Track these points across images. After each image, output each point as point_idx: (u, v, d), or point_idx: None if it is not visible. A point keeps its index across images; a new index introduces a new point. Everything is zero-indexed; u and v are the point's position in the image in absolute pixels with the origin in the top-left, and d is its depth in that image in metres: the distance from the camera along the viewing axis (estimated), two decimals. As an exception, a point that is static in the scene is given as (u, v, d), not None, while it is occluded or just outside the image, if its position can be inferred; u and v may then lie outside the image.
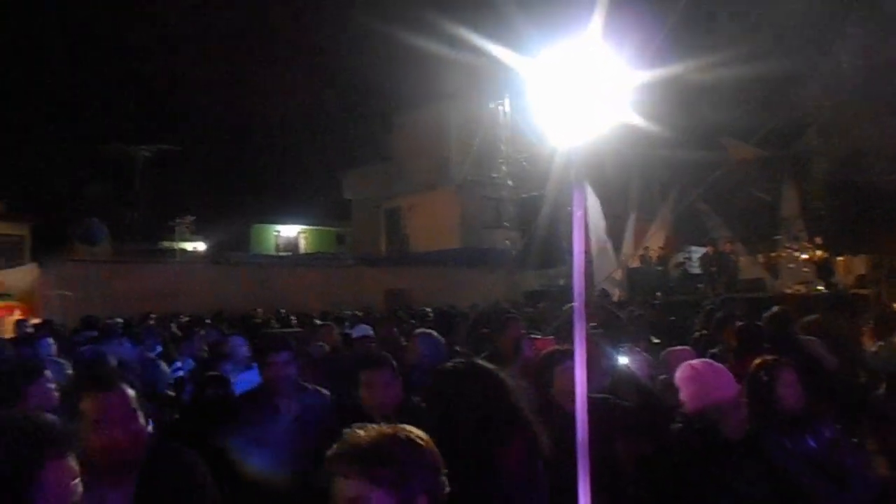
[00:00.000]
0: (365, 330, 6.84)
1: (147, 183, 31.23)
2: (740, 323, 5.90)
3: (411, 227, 30.51)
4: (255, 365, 4.99)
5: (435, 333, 5.20)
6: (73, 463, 1.40)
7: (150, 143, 30.87)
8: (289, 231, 39.34)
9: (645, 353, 5.16)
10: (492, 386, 2.68)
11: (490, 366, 2.81)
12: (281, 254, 34.87)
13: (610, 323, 6.07)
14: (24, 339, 7.37)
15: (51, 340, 6.60)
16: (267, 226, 38.92)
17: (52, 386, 3.73)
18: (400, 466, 1.68)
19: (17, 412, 2.58)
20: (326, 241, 39.88)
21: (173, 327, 10.45)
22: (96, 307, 13.80)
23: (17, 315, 16.14)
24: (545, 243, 19.79)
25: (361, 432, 1.74)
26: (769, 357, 3.71)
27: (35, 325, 10.04)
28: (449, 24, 15.59)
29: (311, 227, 40.13)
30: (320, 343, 6.45)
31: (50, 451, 1.35)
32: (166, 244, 33.36)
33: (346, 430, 1.76)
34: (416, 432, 1.78)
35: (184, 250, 30.97)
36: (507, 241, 25.50)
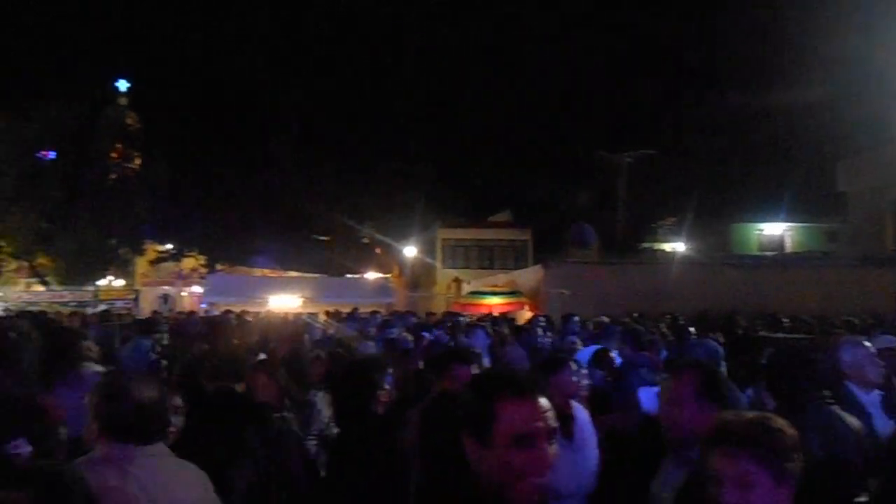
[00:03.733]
0: (890, 341, 5.89)
1: (629, 187, 32.85)
2: None
3: (926, 220, 26.03)
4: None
5: (864, 341, 4.49)
6: (534, 405, 1.71)
7: (632, 150, 32.40)
8: (773, 229, 37.18)
9: None
10: None
11: None
12: (765, 253, 33.08)
13: None
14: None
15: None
16: (748, 224, 37.48)
17: (575, 378, 4.23)
18: (777, 448, 1.94)
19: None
20: (815, 239, 36.49)
21: (663, 328, 10.13)
22: (588, 306, 14.99)
23: (526, 310, 18.59)
24: None
25: (736, 415, 2.06)
26: None
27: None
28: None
29: (797, 225, 37.32)
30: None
31: (504, 393, 1.71)
32: (647, 245, 34.53)
33: (720, 414, 2.11)
34: (780, 421, 2.01)
35: (664, 251, 31.64)
36: None
